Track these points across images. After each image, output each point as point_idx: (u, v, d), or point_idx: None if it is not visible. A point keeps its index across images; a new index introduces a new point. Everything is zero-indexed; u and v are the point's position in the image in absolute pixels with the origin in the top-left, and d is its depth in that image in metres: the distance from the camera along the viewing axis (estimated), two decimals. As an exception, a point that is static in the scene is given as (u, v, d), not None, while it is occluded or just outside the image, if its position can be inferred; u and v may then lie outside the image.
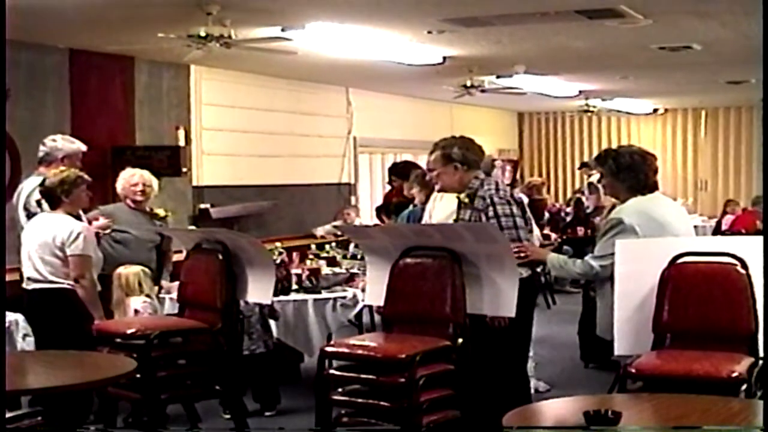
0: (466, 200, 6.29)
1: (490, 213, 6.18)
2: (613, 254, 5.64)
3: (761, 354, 5.09)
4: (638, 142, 20.19)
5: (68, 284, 6.76)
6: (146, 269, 7.44)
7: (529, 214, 6.46)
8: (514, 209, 6.24)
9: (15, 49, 9.49)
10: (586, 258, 5.96)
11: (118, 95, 10.88)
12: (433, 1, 8.11)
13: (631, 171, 5.97)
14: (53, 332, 6.79)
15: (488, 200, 6.22)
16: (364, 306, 8.01)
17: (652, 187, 6.03)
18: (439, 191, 6.66)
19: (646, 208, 5.91)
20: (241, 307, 7.13)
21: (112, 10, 8.05)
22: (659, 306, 5.38)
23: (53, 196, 6.87)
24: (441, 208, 6.63)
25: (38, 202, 7.18)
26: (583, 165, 18.40)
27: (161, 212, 8.28)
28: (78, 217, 7.08)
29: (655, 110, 19.77)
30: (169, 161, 10.88)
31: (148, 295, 7.29)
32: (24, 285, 6.94)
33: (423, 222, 6.79)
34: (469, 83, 12.43)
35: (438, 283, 5.75)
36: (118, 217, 7.86)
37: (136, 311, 7.15)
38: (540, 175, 20.46)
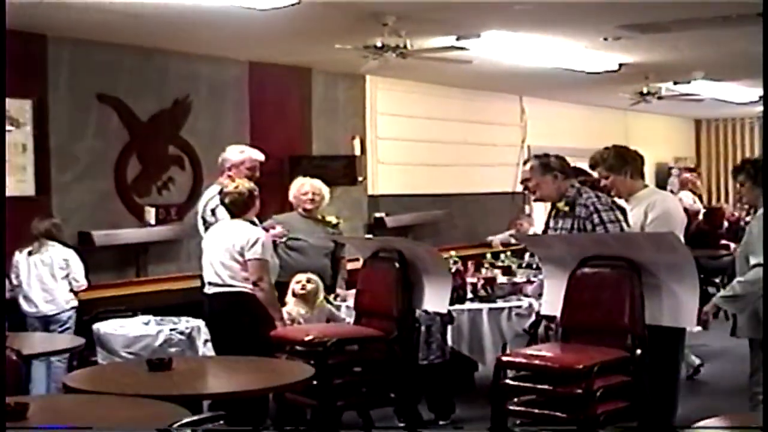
0: (566, 209, 6.36)
1: (596, 220, 6.23)
2: None
3: None
4: (822, 148, 19.57)
5: (248, 288, 6.89)
6: (317, 279, 7.53)
7: (631, 220, 6.42)
8: (619, 215, 6.28)
9: (197, 62, 9.79)
10: (756, 267, 5.81)
11: (295, 106, 11.07)
12: (608, 7, 8.00)
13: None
14: (232, 334, 6.92)
15: (591, 208, 6.27)
16: (540, 316, 7.95)
17: None
18: (535, 201, 6.75)
19: None
20: (423, 317, 7.15)
21: (290, 24, 8.18)
22: None
23: (235, 207, 7.02)
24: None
25: (212, 211, 7.34)
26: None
27: (333, 219, 8.38)
28: (254, 224, 7.21)
29: (840, 115, 19.12)
30: (344, 170, 11.03)
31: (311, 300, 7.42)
32: (205, 290, 7.11)
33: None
34: (645, 90, 12.25)
35: (616, 293, 5.66)
36: (291, 225, 8.00)
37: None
38: (717, 183, 20.04)
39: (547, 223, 6.77)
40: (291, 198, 8.28)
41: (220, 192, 7.19)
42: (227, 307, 7.00)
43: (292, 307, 7.33)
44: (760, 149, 20.17)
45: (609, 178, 6.60)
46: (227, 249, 6.94)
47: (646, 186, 6.75)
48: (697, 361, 9.04)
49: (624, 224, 6.26)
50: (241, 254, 6.87)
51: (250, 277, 6.85)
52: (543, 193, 6.53)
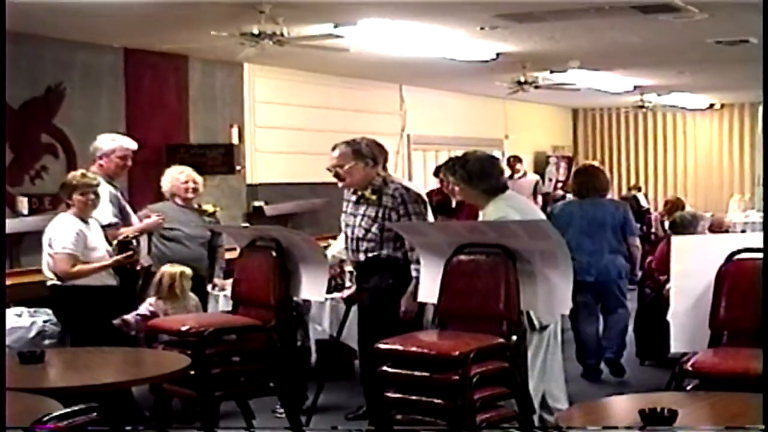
0: (373, 197, 6.65)
1: (401, 211, 6.61)
2: None
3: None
4: (694, 137, 20.09)
5: (60, 282, 6.84)
6: (187, 271, 7.43)
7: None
8: (423, 208, 6.71)
9: (70, 49, 9.61)
10: None
11: (172, 94, 10.96)
12: (485, -4, 8.08)
13: (483, 176, 6.18)
14: (74, 327, 6.93)
15: (399, 199, 6.62)
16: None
17: (504, 188, 6.25)
18: (343, 187, 6.89)
19: (515, 206, 6.14)
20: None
21: (166, 10, 8.09)
22: (716, 303, 5.32)
23: (59, 198, 6.93)
24: None
25: None
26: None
27: (210, 208, 8.31)
28: (83, 220, 7.01)
29: (712, 105, 19.58)
30: (223, 159, 10.97)
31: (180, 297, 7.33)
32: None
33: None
34: (522, 79, 12.38)
35: (492, 280, 5.70)
36: (167, 215, 7.88)
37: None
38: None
39: (344, 210, 6.92)
40: (166, 188, 8.14)
41: None
42: (52, 300, 6.97)
43: (151, 300, 7.24)
44: (635, 137, 20.61)
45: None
46: (43, 242, 6.88)
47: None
48: None
49: (429, 217, 6.72)
50: (51, 247, 6.81)
51: (52, 269, 6.79)
52: (353, 179, 6.73)
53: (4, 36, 5.07)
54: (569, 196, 10.33)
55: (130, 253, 7.10)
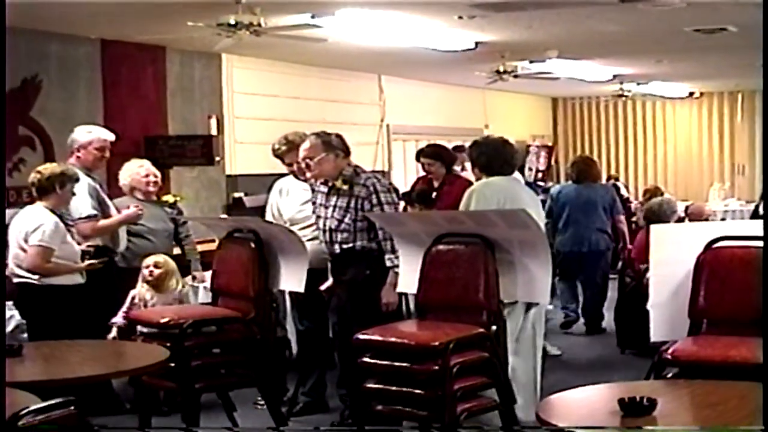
0: (345, 187, 6.69)
1: (374, 200, 6.64)
2: None
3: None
4: (674, 126, 20.12)
5: (33, 279, 6.75)
6: (168, 258, 7.40)
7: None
8: (395, 197, 6.87)
9: (46, 40, 9.55)
10: None
11: (150, 85, 10.91)
12: (462, -15, 8.06)
13: (484, 156, 6.65)
14: (38, 326, 6.80)
15: (371, 188, 6.67)
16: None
17: (507, 172, 6.65)
18: (312, 177, 6.88)
19: (499, 184, 6.49)
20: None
21: (142, 0, 8.05)
22: (695, 291, 5.32)
23: (41, 189, 6.84)
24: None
25: None
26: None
27: (170, 198, 8.26)
28: (54, 212, 6.94)
29: (691, 94, 19.59)
30: (202, 150, 10.91)
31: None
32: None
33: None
34: (501, 69, 12.36)
35: (471, 270, 5.70)
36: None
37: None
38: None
39: (314, 202, 6.91)
40: (126, 182, 8.00)
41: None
42: (17, 300, 6.92)
43: (140, 291, 7.21)
44: (614, 126, 20.63)
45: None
46: (15, 236, 6.80)
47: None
48: (554, 351, 9.06)
49: (399, 206, 6.90)
50: (26, 240, 6.72)
51: (25, 264, 6.71)
52: (324, 170, 6.73)
53: (3, 39, 5.00)
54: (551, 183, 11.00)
55: (106, 259, 7.13)
